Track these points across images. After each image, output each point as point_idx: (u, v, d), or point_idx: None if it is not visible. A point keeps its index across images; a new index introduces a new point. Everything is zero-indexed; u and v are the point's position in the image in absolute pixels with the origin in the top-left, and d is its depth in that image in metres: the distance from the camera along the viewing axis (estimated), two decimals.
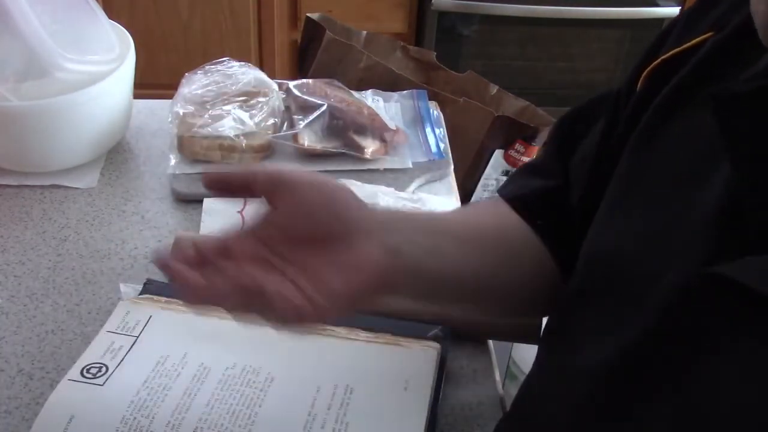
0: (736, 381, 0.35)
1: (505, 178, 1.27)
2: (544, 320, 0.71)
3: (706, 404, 0.36)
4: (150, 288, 0.73)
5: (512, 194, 0.62)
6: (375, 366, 0.66)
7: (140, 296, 0.72)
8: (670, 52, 0.49)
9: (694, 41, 0.47)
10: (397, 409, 0.63)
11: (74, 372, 0.64)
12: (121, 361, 0.65)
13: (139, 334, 0.68)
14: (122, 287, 0.74)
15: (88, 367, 0.64)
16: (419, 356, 0.67)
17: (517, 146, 1.23)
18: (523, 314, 0.68)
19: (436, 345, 0.68)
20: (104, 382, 0.63)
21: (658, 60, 0.49)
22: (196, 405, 0.61)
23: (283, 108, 0.99)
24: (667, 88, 0.47)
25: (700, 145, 0.43)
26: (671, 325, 0.39)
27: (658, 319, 0.40)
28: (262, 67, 1.06)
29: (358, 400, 0.63)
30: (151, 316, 0.69)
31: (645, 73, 0.50)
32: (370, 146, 0.96)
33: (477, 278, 0.57)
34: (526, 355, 1.30)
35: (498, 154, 1.25)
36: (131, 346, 0.66)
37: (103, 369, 0.64)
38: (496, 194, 0.64)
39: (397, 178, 0.95)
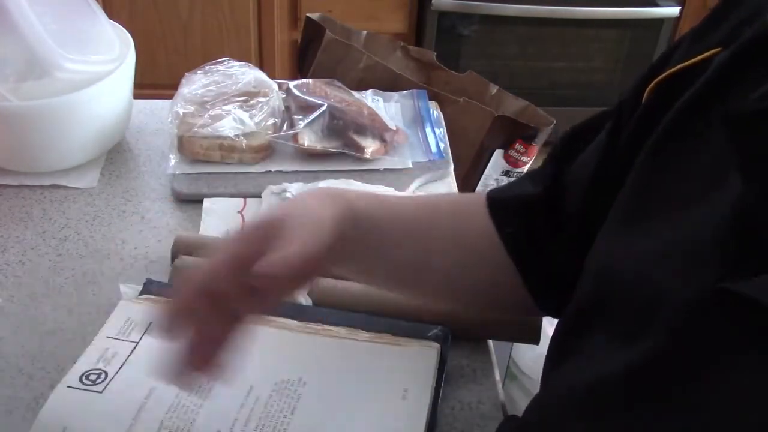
0: (749, 398, 0.35)
1: (505, 178, 1.26)
2: (545, 321, 0.71)
3: (717, 421, 0.36)
4: (150, 288, 0.73)
5: (493, 193, 0.63)
6: (375, 366, 0.66)
7: (140, 296, 0.72)
8: (678, 66, 0.48)
9: (701, 56, 0.47)
10: (397, 409, 0.63)
11: (73, 378, 0.63)
12: (121, 367, 0.64)
13: (139, 341, 0.67)
14: (122, 287, 0.74)
15: (87, 373, 0.63)
16: (419, 356, 0.67)
17: (517, 146, 1.23)
18: (476, 306, 0.69)
19: (436, 345, 0.68)
20: (103, 389, 0.62)
21: (665, 74, 0.49)
22: (199, 415, 0.60)
23: (283, 108, 0.99)
24: (677, 105, 0.47)
25: (711, 162, 0.43)
26: (683, 341, 0.39)
27: (670, 336, 0.39)
28: (262, 67, 1.06)
29: (358, 401, 0.63)
30: (151, 323, 0.68)
31: (651, 86, 0.50)
32: (370, 146, 0.96)
33: (422, 249, 0.61)
34: (526, 355, 1.30)
35: (498, 154, 1.25)
36: (131, 353, 0.65)
37: (103, 375, 0.63)
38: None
39: (397, 178, 0.95)
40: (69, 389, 0.62)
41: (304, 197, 0.57)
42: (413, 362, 0.66)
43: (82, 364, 0.64)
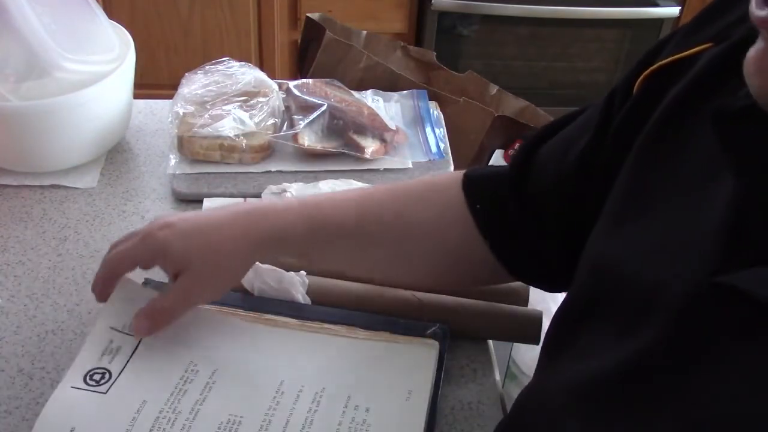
0: (743, 389, 0.35)
1: None
2: (545, 322, 0.71)
3: (712, 413, 0.36)
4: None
5: (469, 172, 0.66)
6: (374, 365, 0.66)
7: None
8: (668, 59, 0.49)
9: (691, 50, 0.47)
10: (396, 408, 0.63)
11: (76, 377, 0.61)
12: (125, 366, 0.62)
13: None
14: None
15: (91, 372, 0.61)
16: (420, 356, 0.67)
17: (517, 146, 1.23)
18: (443, 279, 0.70)
19: (435, 343, 0.68)
20: (107, 390, 0.60)
21: (656, 65, 0.49)
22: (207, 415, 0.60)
23: (283, 108, 0.99)
24: (668, 100, 0.47)
25: (703, 157, 0.43)
26: (678, 334, 0.39)
27: (665, 329, 0.40)
28: (262, 67, 1.06)
29: (357, 400, 0.63)
30: None
31: (641, 78, 0.50)
32: (370, 146, 0.96)
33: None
34: (526, 355, 1.30)
35: (498, 154, 1.25)
36: (134, 351, 0.63)
37: (107, 376, 0.61)
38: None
39: (397, 178, 0.95)
40: (73, 389, 0.60)
41: (222, 236, 0.61)
42: (415, 362, 0.66)
43: (86, 361, 0.62)
